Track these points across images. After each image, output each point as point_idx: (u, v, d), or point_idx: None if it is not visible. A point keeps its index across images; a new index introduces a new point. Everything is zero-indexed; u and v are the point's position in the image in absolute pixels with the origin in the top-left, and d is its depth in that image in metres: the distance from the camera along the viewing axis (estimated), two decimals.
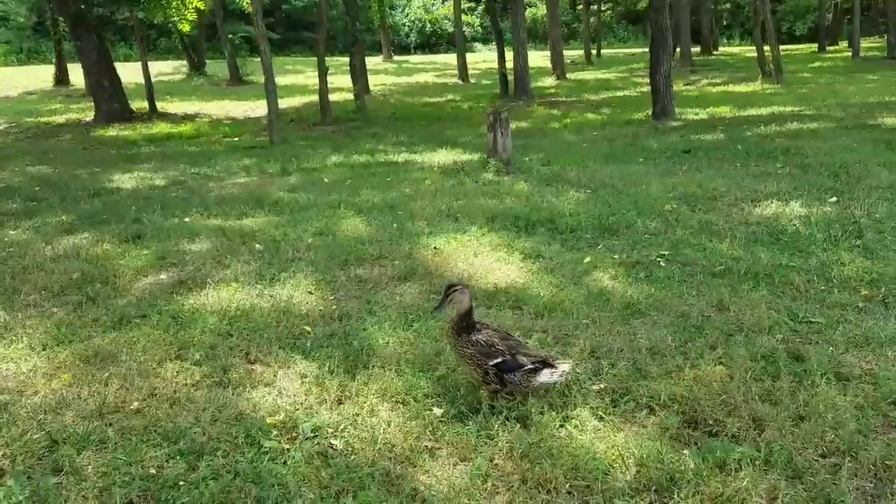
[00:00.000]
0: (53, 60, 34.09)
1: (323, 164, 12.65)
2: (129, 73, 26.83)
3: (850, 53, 34.25)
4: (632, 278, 5.82)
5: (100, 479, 3.33)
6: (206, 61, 38.65)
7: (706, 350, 4.43)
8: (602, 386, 4.05)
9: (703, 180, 9.11)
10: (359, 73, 22.98)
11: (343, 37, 43.60)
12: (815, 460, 3.32)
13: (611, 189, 9.00)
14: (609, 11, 56.73)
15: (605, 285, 5.67)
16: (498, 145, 10.86)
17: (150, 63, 24.04)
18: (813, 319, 4.84)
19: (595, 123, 17.61)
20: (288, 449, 3.54)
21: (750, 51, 35.56)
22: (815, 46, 42.52)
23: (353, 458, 3.46)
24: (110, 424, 3.81)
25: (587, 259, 6.29)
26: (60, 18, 26.47)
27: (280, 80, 23.18)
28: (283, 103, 21.97)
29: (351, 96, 22.92)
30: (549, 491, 3.21)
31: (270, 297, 5.62)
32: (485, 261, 6.35)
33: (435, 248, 6.76)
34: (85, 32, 21.27)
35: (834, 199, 7.85)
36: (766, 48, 25.21)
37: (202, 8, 28.84)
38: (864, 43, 38.04)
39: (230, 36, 35.88)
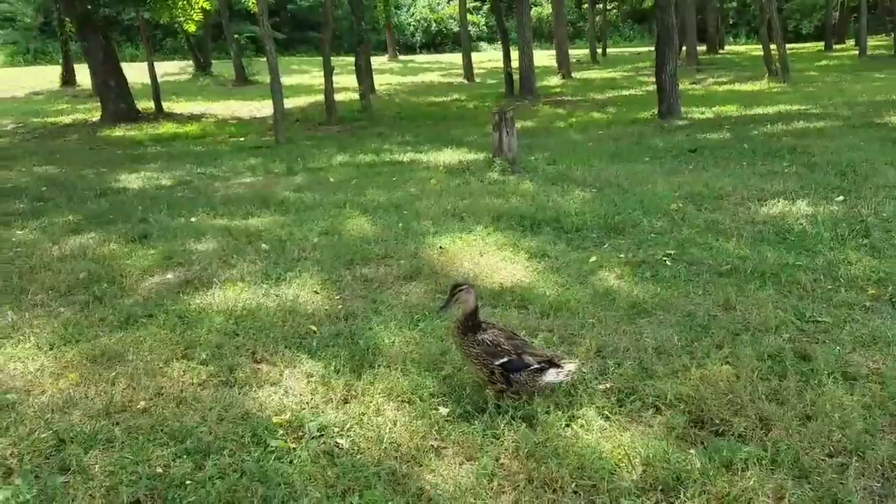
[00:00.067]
0: (60, 61, 34.24)
1: (328, 164, 12.66)
2: (135, 73, 26.89)
3: (857, 52, 34.14)
4: (638, 277, 5.81)
5: (107, 478, 3.34)
6: (212, 61, 38.75)
7: (712, 349, 4.43)
8: (608, 385, 4.04)
9: (709, 179, 9.09)
10: (364, 73, 23.02)
11: (348, 36, 43.56)
12: (822, 460, 3.31)
13: (616, 188, 8.99)
14: (615, 10, 56.70)
15: (611, 284, 5.66)
16: (503, 144, 10.86)
17: (156, 63, 24.10)
18: (820, 319, 4.83)
19: (601, 122, 17.58)
20: (294, 448, 3.55)
21: (756, 49, 35.51)
22: (821, 45, 42.40)
23: (359, 457, 3.47)
24: (117, 423, 3.82)
25: (593, 258, 6.28)
26: (67, 19, 26.57)
27: (285, 80, 23.25)
28: (289, 103, 22.01)
29: (356, 96, 22.95)
30: (555, 490, 3.21)
31: (276, 296, 5.63)
32: (490, 260, 6.35)
33: (440, 247, 6.76)
34: (91, 33, 21.33)
35: (841, 197, 7.82)
36: (773, 47, 25.14)
37: (208, 8, 28.92)
38: (871, 41, 37.92)
39: (236, 36, 35.99)
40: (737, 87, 23.98)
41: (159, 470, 3.40)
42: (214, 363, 4.51)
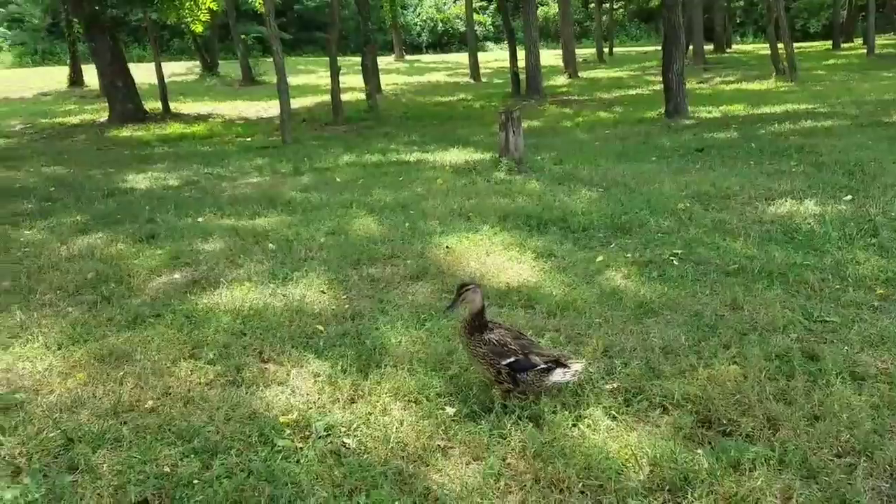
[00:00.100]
0: (68, 62, 34.34)
1: (335, 164, 12.68)
2: (142, 73, 26.98)
3: (865, 50, 33.91)
4: (645, 277, 5.80)
5: (115, 478, 3.35)
6: (219, 62, 38.81)
7: (720, 349, 4.42)
8: (615, 385, 4.04)
9: (716, 179, 9.07)
10: (371, 73, 23.02)
11: (355, 36, 43.67)
12: (831, 460, 3.30)
13: (623, 188, 8.97)
14: (621, 9, 56.56)
15: (618, 284, 5.66)
16: (510, 144, 10.85)
17: (163, 64, 24.17)
18: (828, 318, 4.81)
19: (607, 122, 17.55)
20: (301, 448, 3.56)
21: (763, 48, 35.36)
22: (829, 44, 42.14)
23: (365, 456, 3.47)
24: (125, 423, 3.84)
25: (600, 258, 6.27)
26: (75, 20, 26.61)
27: (292, 80, 23.26)
28: (296, 103, 22.04)
29: (363, 96, 22.96)
30: (562, 490, 3.20)
31: (283, 296, 5.64)
32: (497, 260, 6.35)
33: (447, 247, 6.76)
34: (99, 34, 21.41)
35: (849, 197, 7.79)
36: (780, 45, 25.03)
37: (215, 8, 29.01)
38: (879, 40, 37.65)
39: (243, 36, 36.04)
40: (744, 86, 23.91)
41: (167, 469, 3.41)
42: (222, 363, 4.52)
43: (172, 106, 24.04)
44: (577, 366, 3.91)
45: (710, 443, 3.50)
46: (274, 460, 3.45)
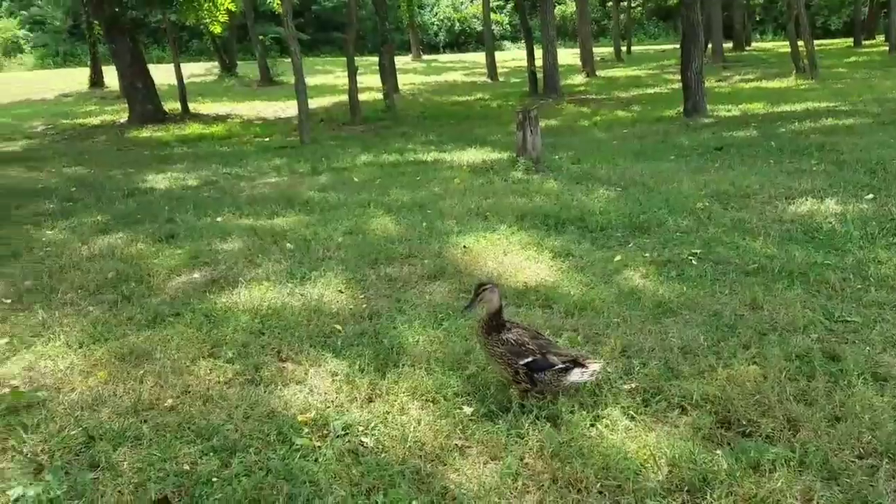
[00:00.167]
0: (88, 63, 34.66)
1: (353, 164, 12.71)
2: (161, 74, 27.18)
3: (887, 48, 33.52)
4: (663, 277, 5.77)
5: (135, 475, 3.38)
6: (238, 62, 39.07)
7: (739, 349, 4.38)
8: (633, 385, 4.02)
9: (735, 178, 9.00)
10: (388, 73, 23.07)
11: (372, 36, 43.74)
12: (852, 462, 3.26)
13: (641, 187, 8.93)
14: (639, 8, 56.25)
15: (636, 284, 5.63)
16: (527, 143, 10.83)
17: (182, 65, 24.37)
18: (849, 318, 4.76)
19: (625, 121, 17.46)
20: (319, 446, 3.57)
21: (783, 46, 35.05)
22: (850, 41, 41.70)
23: (383, 455, 3.48)
24: (145, 421, 3.87)
25: (618, 257, 6.25)
26: (95, 22, 26.91)
27: (310, 81, 23.36)
28: (314, 103, 22.13)
29: (380, 96, 23.01)
30: (580, 490, 3.19)
31: (301, 295, 5.66)
32: (514, 259, 6.34)
33: (464, 246, 6.76)
34: (119, 35, 21.61)
35: (870, 195, 7.70)
36: (800, 43, 24.77)
37: (233, 10, 29.16)
38: None
39: (261, 37, 36.28)
40: (764, 84, 23.69)
41: (186, 467, 3.44)
42: (240, 362, 4.55)
43: (191, 106, 24.20)
44: (594, 366, 3.89)
45: (729, 443, 3.47)
46: (292, 459, 3.46)
